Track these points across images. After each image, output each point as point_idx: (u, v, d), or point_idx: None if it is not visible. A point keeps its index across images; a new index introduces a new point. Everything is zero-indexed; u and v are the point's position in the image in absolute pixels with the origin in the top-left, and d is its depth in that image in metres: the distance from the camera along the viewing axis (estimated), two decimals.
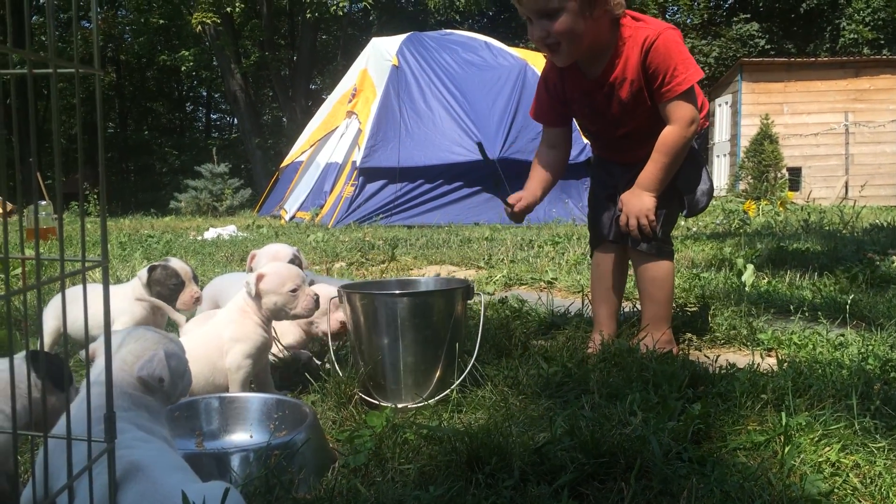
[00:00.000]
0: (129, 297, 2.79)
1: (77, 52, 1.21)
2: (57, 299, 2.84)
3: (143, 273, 2.80)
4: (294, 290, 2.32)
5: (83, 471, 1.25)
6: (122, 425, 1.32)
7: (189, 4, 23.45)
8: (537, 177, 2.84)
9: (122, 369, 1.42)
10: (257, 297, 2.29)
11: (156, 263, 2.84)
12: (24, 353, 1.43)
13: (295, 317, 2.39)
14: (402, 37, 11.72)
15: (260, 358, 2.33)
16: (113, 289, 2.91)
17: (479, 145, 3.04)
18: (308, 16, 22.72)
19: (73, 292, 2.76)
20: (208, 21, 21.50)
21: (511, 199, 2.79)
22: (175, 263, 2.83)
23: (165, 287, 2.79)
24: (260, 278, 2.30)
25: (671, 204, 2.78)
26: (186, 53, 25.71)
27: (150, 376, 1.42)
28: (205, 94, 36.04)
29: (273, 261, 2.84)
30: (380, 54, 11.58)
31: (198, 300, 2.83)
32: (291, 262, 2.88)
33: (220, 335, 2.29)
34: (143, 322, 2.79)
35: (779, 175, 15.84)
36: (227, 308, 2.38)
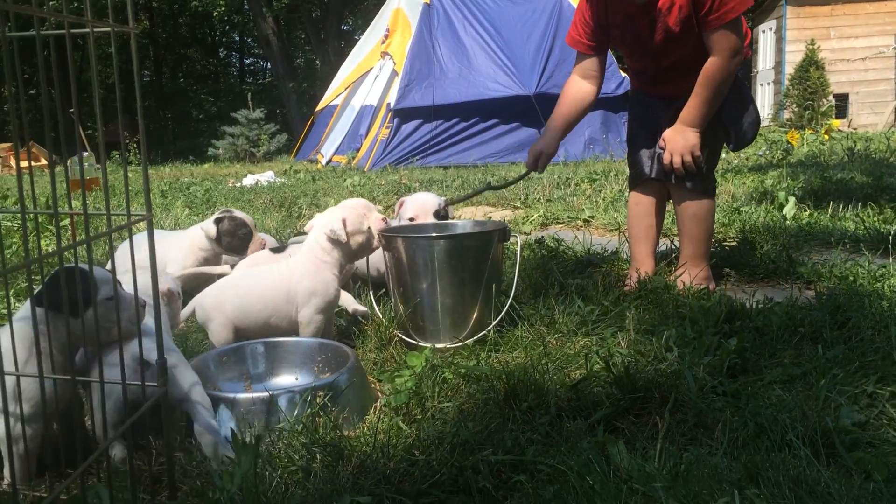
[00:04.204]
0: (182, 247, 2.85)
1: (111, 4, 1.23)
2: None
3: (210, 226, 2.82)
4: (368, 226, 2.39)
5: (139, 413, 1.32)
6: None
7: None
8: (561, 116, 2.81)
9: None
10: (346, 242, 2.33)
11: (220, 216, 2.86)
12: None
13: (373, 250, 2.45)
14: None
15: (329, 312, 2.37)
16: (165, 234, 2.95)
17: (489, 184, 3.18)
18: None
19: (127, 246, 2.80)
20: None
21: (529, 163, 2.81)
22: (239, 213, 2.87)
23: (236, 237, 2.84)
24: (345, 222, 2.33)
25: (715, 139, 2.72)
26: None
27: None
28: (237, 38, 35.87)
29: (421, 209, 2.85)
30: None
31: (264, 246, 2.88)
32: (437, 213, 2.87)
33: (291, 282, 2.30)
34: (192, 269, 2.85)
35: (824, 102, 15.36)
36: (301, 257, 2.36)
